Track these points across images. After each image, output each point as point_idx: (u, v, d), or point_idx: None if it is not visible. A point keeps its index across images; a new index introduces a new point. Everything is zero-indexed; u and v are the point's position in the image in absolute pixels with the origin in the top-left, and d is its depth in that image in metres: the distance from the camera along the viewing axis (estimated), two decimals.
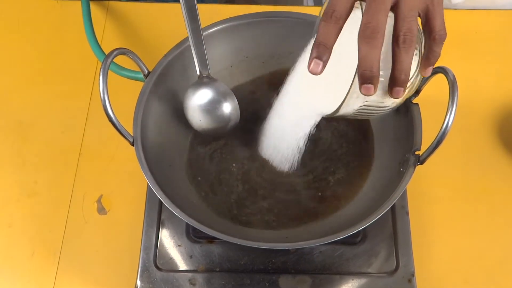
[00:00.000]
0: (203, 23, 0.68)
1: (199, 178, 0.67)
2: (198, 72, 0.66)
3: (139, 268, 0.65)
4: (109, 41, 0.83)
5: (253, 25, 0.69)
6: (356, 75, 0.48)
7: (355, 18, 0.49)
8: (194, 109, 0.66)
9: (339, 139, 0.69)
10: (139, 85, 0.65)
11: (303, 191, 0.66)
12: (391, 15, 0.48)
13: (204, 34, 0.68)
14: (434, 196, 0.71)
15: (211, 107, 0.66)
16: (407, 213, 0.67)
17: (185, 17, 0.63)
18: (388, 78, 0.50)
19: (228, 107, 0.67)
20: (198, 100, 0.66)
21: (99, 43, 0.75)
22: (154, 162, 0.61)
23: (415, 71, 0.53)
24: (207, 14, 0.85)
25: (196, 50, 0.64)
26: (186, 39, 0.67)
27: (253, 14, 0.69)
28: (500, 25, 0.75)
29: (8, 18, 0.87)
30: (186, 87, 0.69)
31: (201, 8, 0.86)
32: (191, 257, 0.66)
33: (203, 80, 0.66)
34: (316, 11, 0.68)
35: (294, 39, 0.70)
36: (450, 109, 0.55)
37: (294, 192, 0.66)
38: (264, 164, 0.67)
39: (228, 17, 0.69)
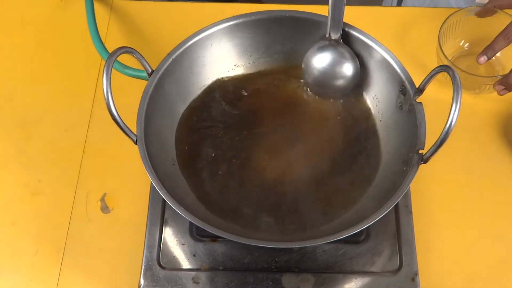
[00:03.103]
0: (206, 21, 0.68)
1: (203, 177, 0.67)
2: (327, 34, 0.66)
3: (143, 267, 0.65)
4: (113, 39, 0.83)
5: (257, 23, 0.69)
6: None
7: None
8: (315, 70, 0.67)
9: (345, 139, 0.69)
10: (143, 83, 0.65)
11: (307, 191, 0.66)
12: None
13: (205, 33, 0.68)
14: (438, 195, 0.71)
15: (333, 69, 0.67)
16: (410, 212, 0.67)
17: None
18: None
19: (349, 70, 0.67)
20: (321, 62, 0.67)
21: (103, 41, 0.75)
22: (157, 160, 0.61)
23: None
24: (211, 12, 0.86)
25: (331, 12, 0.64)
26: (190, 37, 0.67)
27: (257, 12, 0.69)
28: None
29: (12, 17, 0.87)
30: (190, 85, 0.69)
31: (205, 7, 0.86)
32: (194, 255, 0.66)
33: (331, 43, 0.66)
34: (320, 9, 0.68)
35: (298, 37, 0.70)
36: (454, 107, 0.55)
37: (298, 192, 0.66)
38: (269, 164, 0.67)
39: (232, 15, 0.69)
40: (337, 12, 0.64)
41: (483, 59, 0.73)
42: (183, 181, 0.66)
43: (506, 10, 0.77)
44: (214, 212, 0.64)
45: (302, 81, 0.70)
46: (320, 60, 0.68)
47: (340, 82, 0.68)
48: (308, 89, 0.70)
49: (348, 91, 0.69)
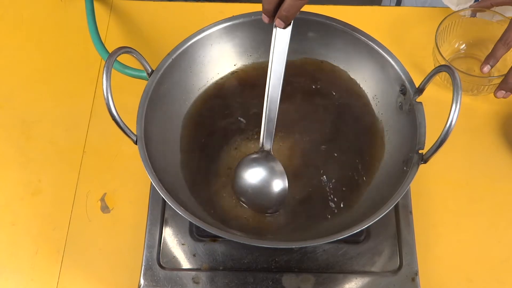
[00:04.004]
0: (206, 22, 0.68)
1: (203, 177, 0.67)
2: (260, 145, 0.64)
3: (143, 267, 0.65)
4: (113, 39, 0.83)
5: (257, 23, 0.69)
6: None
7: None
8: (245, 182, 0.65)
9: (345, 139, 0.69)
10: (143, 83, 0.65)
11: (307, 191, 0.66)
12: None
13: (205, 33, 0.68)
14: (438, 195, 0.71)
15: (262, 185, 0.65)
16: (410, 212, 0.67)
17: (266, 94, 0.62)
18: None
19: (278, 187, 0.64)
20: (251, 176, 0.65)
21: (103, 41, 0.75)
22: (157, 160, 0.61)
23: None
24: (211, 12, 0.86)
25: (266, 124, 0.63)
26: (190, 37, 0.67)
27: (257, 12, 0.69)
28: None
29: (12, 17, 0.87)
30: (190, 85, 0.69)
31: (205, 6, 0.87)
32: (194, 255, 0.66)
33: (262, 155, 0.65)
34: (320, 9, 0.68)
35: (298, 37, 0.70)
36: (454, 107, 0.55)
37: (298, 193, 0.66)
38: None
39: (232, 15, 0.69)
40: (269, 125, 0.63)
41: (486, 68, 0.73)
42: (183, 181, 0.66)
43: (500, 11, 0.77)
44: (216, 210, 0.64)
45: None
46: (251, 175, 0.65)
47: (267, 198, 0.65)
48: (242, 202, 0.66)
49: (276, 208, 0.65)
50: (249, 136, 0.70)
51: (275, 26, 0.61)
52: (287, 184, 0.64)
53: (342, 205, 0.65)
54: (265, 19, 0.61)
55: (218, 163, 0.68)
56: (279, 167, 0.65)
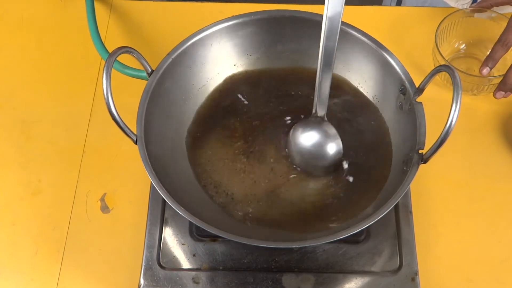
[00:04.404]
0: (206, 21, 0.68)
1: (203, 177, 0.67)
2: (313, 110, 0.66)
3: (143, 267, 0.65)
4: (113, 39, 0.83)
5: (257, 23, 0.69)
6: None
7: None
8: (299, 145, 0.67)
9: (344, 139, 0.69)
10: (143, 83, 0.65)
11: (307, 192, 0.66)
12: None
13: (205, 33, 0.68)
14: (438, 195, 0.71)
15: (316, 149, 0.67)
16: (410, 212, 0.67)
17: (320, 55, 0.62)
18: None
19: (332, 150, 0.66)
20: (305, 139, 0.67)
21: (103, 41, 0.75)
22: (157, 160, 0.61)
23: None
24: (211, 12, 0.86)
25: (319, 91, 0.64)
26: (190, 37, 0.67)
27: (257, 12, 0.69)
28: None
29: (12, 17, 0.87)
30: (190, 85, 0.69)
31: (205, 6, 0.87)
32: (194, 255, 0.66)
33: (316, 120, 0.66)
34: (320, 9, 0.68)
35: (298, 37, 0.70)
36: (454, 107, 0.55)
37: (299, 193, 0.66)
38: (270, 165, 0.67)
39: (232, 15, 0.69)
40: (322, 92, 0.64)
41: (485, 70, 0.73)
42: (183, 180, 0.66)
43: (499, 11, 0.77)
44: (216, 210, 0.64)
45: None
46: (304, 138, 0.67)
47: (322, 160, 0.67)
48: (293, 163, 0.68)
49: (330, 170, 0.67)
50: (249, 136, 0.69)
51: None
52: (341, 147, 0.66)
53: (345, 207, 0.65)
54: None
55: (219, 160, 0.68)
56: (332, 131, 0.66)
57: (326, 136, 0.66)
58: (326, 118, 0.66)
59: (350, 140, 0.68)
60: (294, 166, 0.67)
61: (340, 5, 0.59)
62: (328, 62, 0.62)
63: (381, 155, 0.67)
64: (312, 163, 0.67)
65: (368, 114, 0.70)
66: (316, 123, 0.66)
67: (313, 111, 0.66)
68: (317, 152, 0.67)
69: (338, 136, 0.66)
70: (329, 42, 0.60)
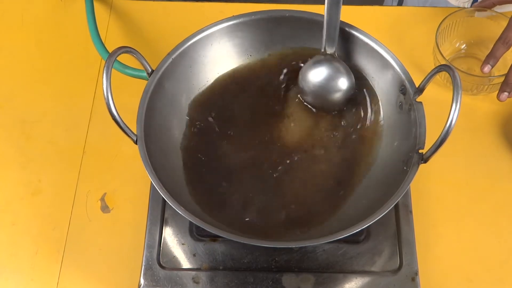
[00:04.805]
0: (206, 21, 0.68)
1: (202, 177, 0.67)
2: (322, 49, 0.66)
3: (143, 266, 0.65)
4: (113, 39, 0.83)
5: (257, 23, 0.69)
6: None
7: None
8: (310, 82, 0.68)
9: (344, 139, 0.69)
10: (143, 83, 0.65)
11: (307, 192, 0.66)
12: None
13: (205, 33, 0.68)
14: (438, 195, 0.71)
15: (328, 84, 0.67)
16: (410, 211, 0.67)
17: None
18: None
19: (344, 85, 0.67)
20: (317, 76, 0.67)
21: (103, 41, 0.75)
22: (157, 160, 0.61)
23: None
24: (211, 12, 0.86)
25: (327, 30, 0.64)
26: (190, 37, 0.67)
27: (257, 12, 0.69)
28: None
29: (12, 17, 0.87)
30: (190, 85, 0.69)
31: (205, 6, 0.86)
32: (194, 255, 0.66)
33: (326, 57, 0.67)
34: (320, 9, 0.68)
35: (298, 37, 0.70)
36: (454, 107, 0.55)
37: (299, 194, 0.66)
38: (270, 165, 0.67)
39: (232, 15, 0.69)
40: (331, 28, 0.65)
41: (487, 68, 0.73)
42: (183, 180, 0.66)
43: (500, 10, 0.77)
44: (216, 211, 0.64)
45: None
46: (316, 75, 0.68)
47: (335, 96, 0.68)
48: (304, 101, 0.70)
49: (343, 105, 0.69)
50: (250, 136, 0.69)
51: None
52: (353, 81, 0.67)
53: (342, 205, 0.65)
54: None
55: (218, 160, 0.68)
56: (344, 66, 0.67)
57: (338, 72, 0.67)
58: (336, 55, 0.66)
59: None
60: (309, 106, 0.69)
61: None
62: (335, 3, 0.62)
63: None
64: (326, 99, 0.68)
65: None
66: (326, 60, 0.67)
67: (322, 49, 0.66)
68: (329, 87, 0.67)
69: (350, 71, 0.67)
70: None
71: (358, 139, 0.68)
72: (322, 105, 0.69)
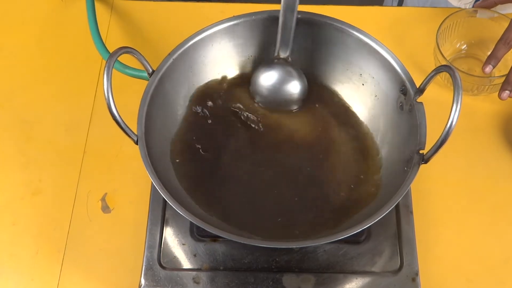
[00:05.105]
0: (207, 22, 0.68)
1: (203, 177, 0.67)
2: (275, 53, 0.66)
3: (143, 267, 0.65)
4: (114, 39, 0.83)
5: (258, 23, 0.69)
6: None
7: None
8: (261, 87, 0.68)
9: (345, 140, 0.69)
10: (144, 83, 0.65)
11: (308, 193, 0.66)
12: None
13: (206, 33, 0.68)
14: (438, 195, 0.71)
15: (279, 88, 0.68)
16: (411, 212, 0.67)
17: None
18: None
19: (296, 88, 0.68)
20: (268, 80, 0.68)
21: (104, 41, 0.75)
22: (158, 160, 0.61)
23: None
24: (211, 12, 0.86)
25: (282, 32, 0.64)
26: (191, 37, 0.67)
27: (257, 12, 0.69)
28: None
29: (13, 17, 0.87)
30: (190, 85, 0.69)
31: (205, 7, 0.87)
32: (195, 255, 0.66)
33: (279, 61, 0.67)
34: (320, 9, 0.68)
35: (298, 37, 0.70)
36: (455, 107, 0.55)
37: (299, 194, 0.66)
38: (270, 166, 0.67)
39: (232, 15, 0.69)
40: (286, 32, 0.65)
41: (488, 68, 0.73)
42: (184, 181, 0.66)
43: (502, 10, 0.77)
44: (216, 211, 0.64)
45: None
46: (267, 79, 0.68)
47: (287, 99, 0.69)
48: (259, 104, 0.70)
49: (297, 108, 0.69)
50: (250, 136, 0.69)
51: None
52: (306, 84, 0.67)
53: (342, 206, 0.65)
54: None
55: (219, 163, 0.68)
56: (296, 70, 0.67)
57: (290, 76, 0.67)
58: (290, 59, 0.66)
59: None
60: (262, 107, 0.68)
61: None
62: (291, 3, 0.63)
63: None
64: (279, 103, 0.68)
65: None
66: (278, 64, 0.67)
67: (275, 53, 0.66)
68: (281, 91, 0.68)
69: (302, 75, 0.67)
70: None
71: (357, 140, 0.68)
72: (277, 108, 0.69)
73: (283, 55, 0.67)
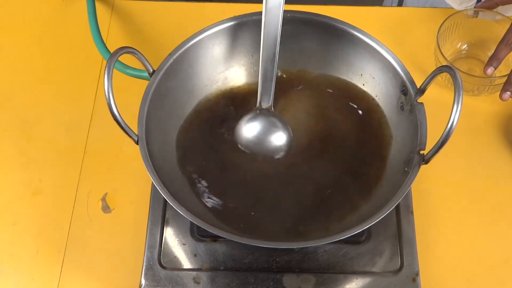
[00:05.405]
0: (207, 22, 0.68)
1: (203, 177, 0.67)
2: (257, 103, 0.65)
3: (144, 267, 0.65)
4: (114, 39, 0.83)
5: (258, 23, 0.69)
6: None
7: None
8: (247, 140, 0.66)
9: (345, 140, 0.69)
10: (144, 83, 0.65)
11: (309, 194, 0.66)
12: None
13: (206, 33, 0.68)
14: (439, 196, 0.71)
15: (263, 140, 0.66)
16: (411, 212, 0.67)
17: (262, 39, 0.62)
18: None
19: (281, 140, 0.66)
20: (252, 132, 0.66)
21: (104, 41, 0.75)
22: (158, 160, 0.61)
23: None
24: (212, 12, 0.86)
25: (263, 83, 0.63)
26: (191, 37, 0.67)
27: (258, 12, 0.68)
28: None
29: (13, 17, 0.87)
30: (191, 85, 0.69)
31: (206, 7, 0.87)
32: (195, 255, 0.66)
33: (261, 111, 0.66)
34: (321, 10, 0.68)
35: (299, 38, 0.70)
36: (456, 108, 0.55)
37: (300, 195, 0.66)
38: (271, 167, 0.67)
39: (233, 15, 0.69)
40: (267, 81, 0.64)
41: (490, 70, 0.73)
42: (185, 181, 0.66)
43: (503, 11, 0.77)
44: (216, 215, 0.64)
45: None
46: (251, 130, 0.67)
47: (272, 150, 0.67)
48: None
49: (281, 157, 0.67)
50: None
51: None
52: (291, 134, 0.65)
53: (343, 206, 0.65)
54: None
55: (219, 161, 0.68)
56: (280, 120, 0.65)
57: (274, 126, 0.66)
58: (272, 109, 0.65)
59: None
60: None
61: None
62: (271, 51, 0.62)
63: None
64: (264, 154, 0.66)
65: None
66: (261, 115, 0.66)
67: (257, 104, 0.65)
68: (265, 143, 0.66)
69: (286, 125, 0.66)
70: (271, 28, 0.61)
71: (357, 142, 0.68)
72: (262, 157, 0.67)
73: (265, 105, 0.65)
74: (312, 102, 0.71)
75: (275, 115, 0.66)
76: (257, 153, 0.67)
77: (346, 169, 0.67)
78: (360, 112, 0.69)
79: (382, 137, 0.67)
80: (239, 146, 0.67)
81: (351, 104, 0.70)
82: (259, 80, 0.64)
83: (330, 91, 0.71)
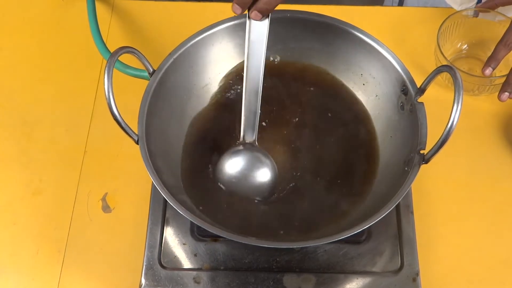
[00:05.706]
0: (207, 21, 0.68)
1: (203, 177, 0.67)
2: (241, 138, 0.63)
3: (144, 266, 0.65)
4: (114, 39, 0.83)
5: None
6: None
7: None
8: (230, 176, 0.64)
9: (346, 140, 0.69)
10: (144, 83, 0.65)
11: (309, 194, 0.66)
12: None
13: (207, 33, 0.68)
14: (439, 195, 0.71)
15: (247, 177, 0.63)
16: (411, 212, 0.67)
17: (245, 70, 0.61)
18: None
19: (266, 177, 0.63)
20: (235, 168, 0.63)
21: (104, 41, 0.75)
22: (158, 160, 0.61)
23: None
24: (212, 12, 0.86)
25: (247, 116, 0.62)
26: (191, 37, 0.67)
27: None
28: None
29: (14, 17, 0.87)
30: (191, 85, 0.69)
31: (206, 6, 0.87)
32: (195, 255, 0.66)
33: (245, 147, 0.63)
34: (321, 9, 0.68)
35: (299, 37, 0.70)
36: (456, 107, 0.55)
37: (300, 195, 0.66)
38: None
39: (233, 15, 0.69)
40: (251, 115, 0.62)
41: (488, 71, 0.73)
42: (184, 181, 0.66)
43: (504, 11, 0.77)
44: (216, 212, 0.64)
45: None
46: (234, 166, 0.64)
47: (256, 188, 0.64)
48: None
49: (266, 194, 0.64)
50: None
51: (249, 18, 0.60)
52: (276, 170, 0.63)
53: (343, 206, 0.65)
54: (238, 10, 0.58)
55: (220, 163, 0.68)
56: (265, 155, 0.63)
57: (258, 161, 0.63)
58: (256, 143, 0.63)
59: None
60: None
61: (266, 27, 0.59)
62: (254, 83, 0.61)
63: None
64: (243, 192, 0.64)
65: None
66: (245, 150, 0.63)
67: (240, 138, 0.64)
68: (249, 180, 0.63)
69: (271, 159, 0.63)
70: (254, 60, 0.61)
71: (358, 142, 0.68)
72: (243, 194, 0.64)
73: (249, 139, 0.63)
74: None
75: (260, 150, 0.63)
76: (239, 192, 0.64)
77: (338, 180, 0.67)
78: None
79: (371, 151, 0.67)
80: (219, 184, 0.64)
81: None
82: (242, 113, 0.62)
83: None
